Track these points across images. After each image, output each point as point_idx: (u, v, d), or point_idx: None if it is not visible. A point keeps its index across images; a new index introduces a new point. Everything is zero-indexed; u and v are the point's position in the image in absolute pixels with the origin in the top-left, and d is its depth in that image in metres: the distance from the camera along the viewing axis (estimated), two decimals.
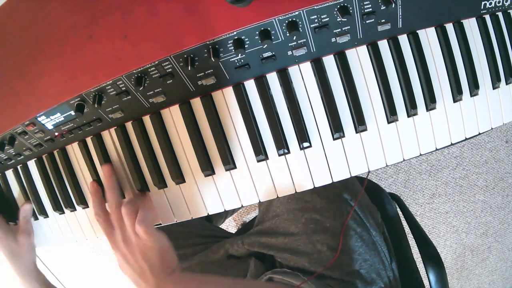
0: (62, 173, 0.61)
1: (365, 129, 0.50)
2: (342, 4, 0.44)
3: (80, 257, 1.59)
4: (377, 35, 0.48)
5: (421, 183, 1.47)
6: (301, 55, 0.48)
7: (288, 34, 0.46)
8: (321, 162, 0.51)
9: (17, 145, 0.59)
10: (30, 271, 0.64)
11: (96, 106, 0.50)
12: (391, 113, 0.49)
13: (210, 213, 0.55)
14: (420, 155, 0.51)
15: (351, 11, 0.44)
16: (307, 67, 0.50)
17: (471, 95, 0.51)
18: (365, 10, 0.45)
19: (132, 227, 0.50)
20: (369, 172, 0.53)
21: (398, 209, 0.80)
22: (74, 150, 0.59)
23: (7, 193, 0.67)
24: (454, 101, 0.51)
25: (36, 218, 0.67)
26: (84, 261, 1.58)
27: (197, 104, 0.52)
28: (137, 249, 0.51)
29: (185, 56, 0.47)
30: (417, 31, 0.49)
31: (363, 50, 0.49)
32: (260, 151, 0.51)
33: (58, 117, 0.54)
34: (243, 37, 0.46)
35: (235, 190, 0.54)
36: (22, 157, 0.62)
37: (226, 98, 0.52)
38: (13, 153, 0.62)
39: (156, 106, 0.53)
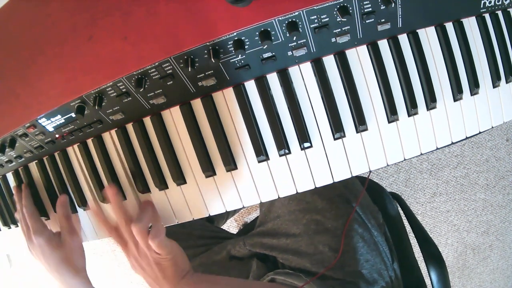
0: (63, 175, 0.61)
1: (366, 129, 0.50)
2: (341, 4, 0.44)
3: None
4: (377, 34, 0.48)
5: (422, 182, 1.47)
6: (301, 55, 0.48)
7: (288, 35, 0.46)
8: (322, 162, 0.51)
9: (18, 147, 0.59)
10: (82, 278, 0.57)
11: (96, 107, 0.50)
12: (391, 113, 0.49)
13: (211, 214, 0.55)
14: (421, 154, 0.51)
15: (350, 11, 0.44)
16: (307, 67, 0.50)
17: (472, 94, 0.51)
18: (365, 10, 0.45)
19: (145, 243, 0.51)
20: (370, 171, 0.53)
21: (399, 208, 0.80)
22: (75, 152, 0.59)
23: (9, 196, 0.67)
24: (455, 100, 0.51)
25: None
26: (86, 262, 1.58)
27: (197, 105, 0.52)
28: (152, 260, 0.52)
29: (185, 57, 0.47)
30: (417, 31, 0.49)
31: (363, 50, 0.49)
32: (261, 152, 0.51)
33: (58, 119, 0.54)
34: (243, 38, 0.46)
35: (236, 191, 0.54)
36: (23, 159, 0.62)
37: (227, 99, 0.52)
38: (14, 155, 0.62)
39: (157, 108, 0.53)
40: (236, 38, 0.46)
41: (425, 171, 1.46)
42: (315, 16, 0.45)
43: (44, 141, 0.58)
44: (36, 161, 0.62)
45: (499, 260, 1.61)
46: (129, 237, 0.53)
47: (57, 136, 0.57)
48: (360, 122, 0.50)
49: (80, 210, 0.62)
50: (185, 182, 0.55)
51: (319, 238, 0.62)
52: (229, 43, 0.46)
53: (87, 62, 0.49)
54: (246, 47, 0.46)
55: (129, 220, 0.52)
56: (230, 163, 0.52)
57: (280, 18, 0.44)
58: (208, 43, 0.46)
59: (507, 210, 1.53)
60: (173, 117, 0.54)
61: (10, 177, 0.66)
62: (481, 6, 0.50)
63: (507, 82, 0.53)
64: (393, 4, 0.43)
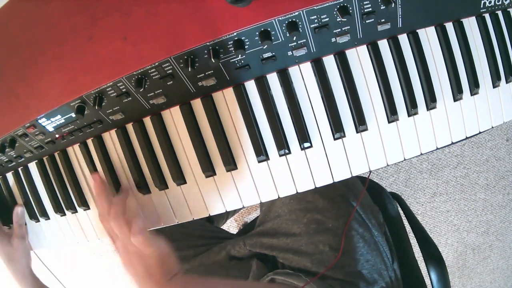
0: (63, 175, 0.61)
1: (366, 129, 0.50)
2: (342, 4, 0.44)
3: (82, 258, 1.59)
4: (377, 34, 0.48)
5: (422, 182, 1.47)
6: (301, 55, 0.48)
7: (288, 35, 0.46)
8: (322, 162, 0.51)
9: (18, 148, 0.59)
10: (25, 275, 0.64)
11: (96, 108, 0.50)
12: (391, 113, 0.49)
13: (211, 214, 0.55)
14: (421, 154, 0.51)
15: (351, 11, 0.44)
16: (307, 67, 0.50)
17: (472, 94, 0.51)
18: (365, 10, 0.45)
19: (129, 238, 0.49)
20: (370, 171, 0.53)
21: (399, 209, 0.80)
22: (75, 152, 0.59)
23: (9, 196, 0.67)
24: (455, 100, 0.51)
25: (37, 220, 0.67)
26: (86, 263, 1.58)
27: (197, 105, 0.52)
28: (136, 258, 0.50)
29: (185, 57, 0.47)
30: (417, 31, 0.49)
31: (363, 50, 0.49)
32: (261, 152, 0.51)
33: (58, 119, 0.54)
34: (243, 38, 0.46)
35: (236, 191, 0.54)
36: (23, 159, 0.62)
37: (227, 99, 0.52)
38: (14, 155, 0.62)
39: (157, 108, 0.53)
40: (236, 38, 0.46)
41: (425, 171, 1.46)
42: (315, 16, 0.45)
43: (44, 141, 0.58)
44: (36, 161, 0.62)
45: (499, 260, 1.61)
46: (118, 230, 0.51)
47: (57, 136, 0.57)
48: (360, 122, 0.50)
49: (80, 210, 0.62)
50: (185, 182, 0.55)
51: (319, 237, 0.62)
52: (229, 43, 0.46)
53: (87, 62, 0.50)
54: (246, 47, 0.46)
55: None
56: (230, 163, 0.52)
57: (280, 18, 0.44)
58: (208, 43, 0.46)
59: (507, 210, 1.53)
60: (173, 117, 0.54)
61: (10, 177, 0.66)
62: (481, 6, 0.50)
63: (507, 82, 0.53)
64: (393, 4, 0.43)
